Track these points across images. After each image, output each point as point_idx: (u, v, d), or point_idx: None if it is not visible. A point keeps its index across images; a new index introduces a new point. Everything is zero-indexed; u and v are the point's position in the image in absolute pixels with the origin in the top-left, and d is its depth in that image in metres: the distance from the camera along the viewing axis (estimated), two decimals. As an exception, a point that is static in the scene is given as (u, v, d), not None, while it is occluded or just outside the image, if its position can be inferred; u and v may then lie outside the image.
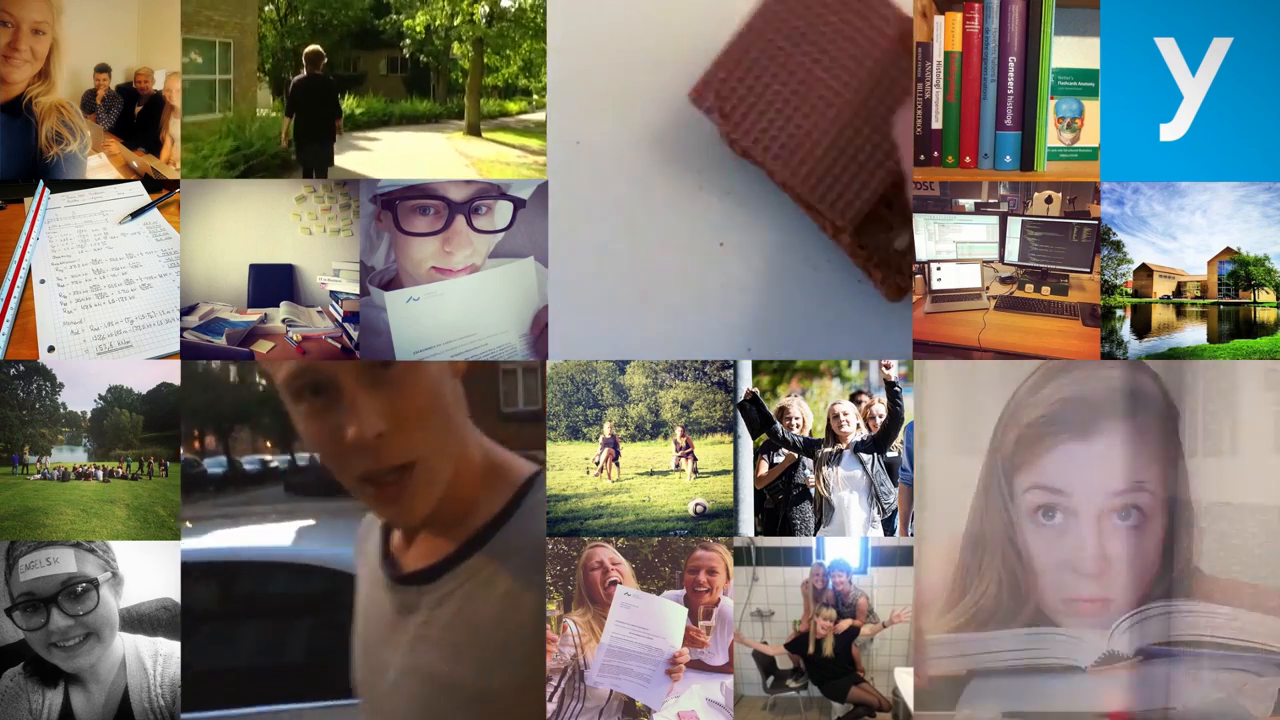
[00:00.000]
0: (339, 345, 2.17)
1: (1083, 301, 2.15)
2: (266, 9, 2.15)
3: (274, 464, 2.36)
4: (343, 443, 1.24)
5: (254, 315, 2.20)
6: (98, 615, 2.04)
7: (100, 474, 2.21)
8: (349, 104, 2.14)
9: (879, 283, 2.08)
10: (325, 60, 2.13)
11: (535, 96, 1.98)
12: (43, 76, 2.18)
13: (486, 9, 2.00)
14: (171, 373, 2.16)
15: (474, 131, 2.05)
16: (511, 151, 1.99)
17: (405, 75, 2.09)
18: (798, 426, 2.22)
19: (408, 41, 2.05)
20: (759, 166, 2.03)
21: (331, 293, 2.20)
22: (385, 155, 2.06)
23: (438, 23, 2.02)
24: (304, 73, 2.19)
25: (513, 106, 2.03)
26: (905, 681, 2.09)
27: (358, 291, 2.16)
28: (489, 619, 1.27)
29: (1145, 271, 2.16)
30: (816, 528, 2.18)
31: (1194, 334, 2.17)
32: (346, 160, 2.13)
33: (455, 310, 2.11)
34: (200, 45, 2.06)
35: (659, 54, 2.11)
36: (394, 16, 2.04)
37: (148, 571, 2.13)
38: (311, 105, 2.17)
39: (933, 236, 2.17)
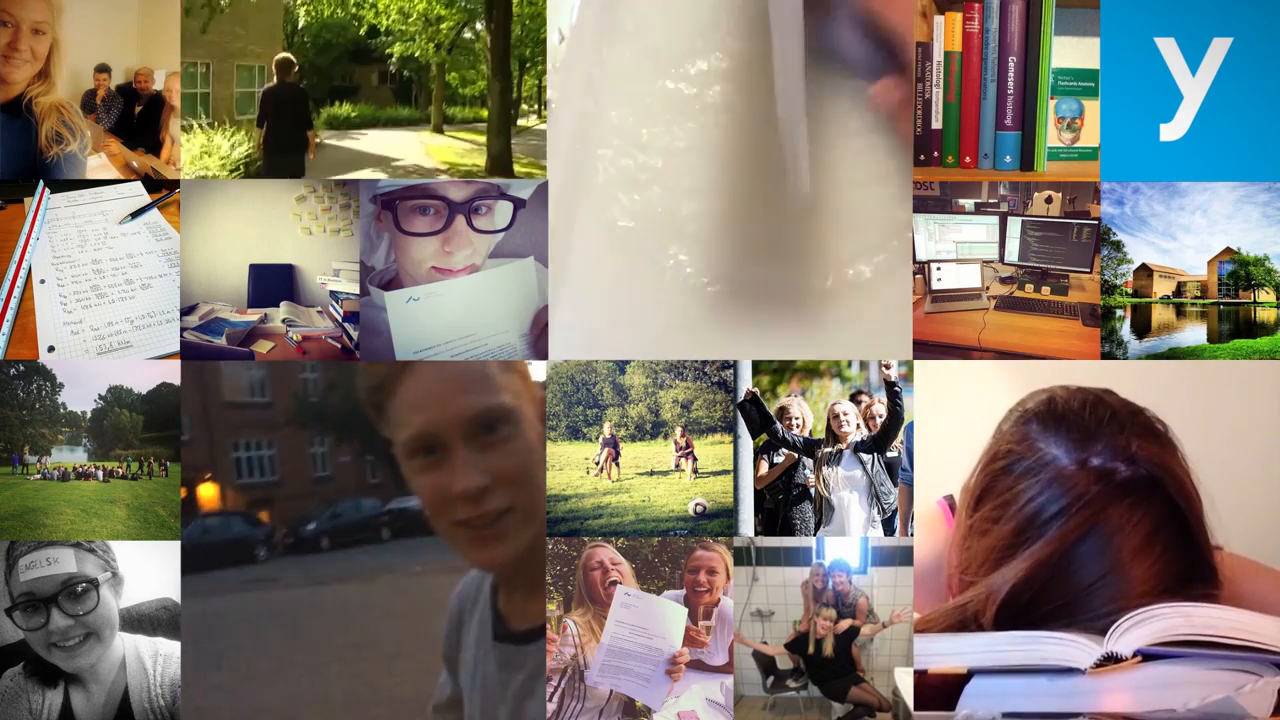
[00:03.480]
0: (339, 345, 2.17)
1: (1083, 301, 2.15)
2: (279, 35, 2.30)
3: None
4: (448, 493, 1.46)
5: (254, 315, 2.20)
6: (98, 615, 2.04)
7: (100, 474, 2.21)
8: (345, 109, 2.33)
9: None
10: (296, 68, 2.24)
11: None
12: (43, 76, 2.18)
13: (446, 40, 2.33)
14: (171, 373, 2.16)
15: (438, 130, 2.37)
16: (459, 144, 2.33)
17: (393, 86, 2.38)
18: (798, 426, 2.22)
19: (393, 59, 2.35)
20: None
21: (331, 293, 2.20)
22: (367, 144, 2.34)
23: (411, 52, 2.33)
24: (274, 81, 2.22)
25: (485, 112, 2.31)
26: (905, 681, 2.09)
27: (358, 291, 2.16)
28: None
29: (1145, 271, 2.16)
30: (816, 528, 2.18)
31: (1194, 334, 2.17)
32: (342, 140, 2.31)
33: (455, 310, 2.11)
34: (245, 69, 2.30)
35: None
36: (382, 38, 2.33)
37: (148, 571, 2.13)
38: (283, 114, 2.25)
39: (933, 236, 2.18)
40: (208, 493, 2.31)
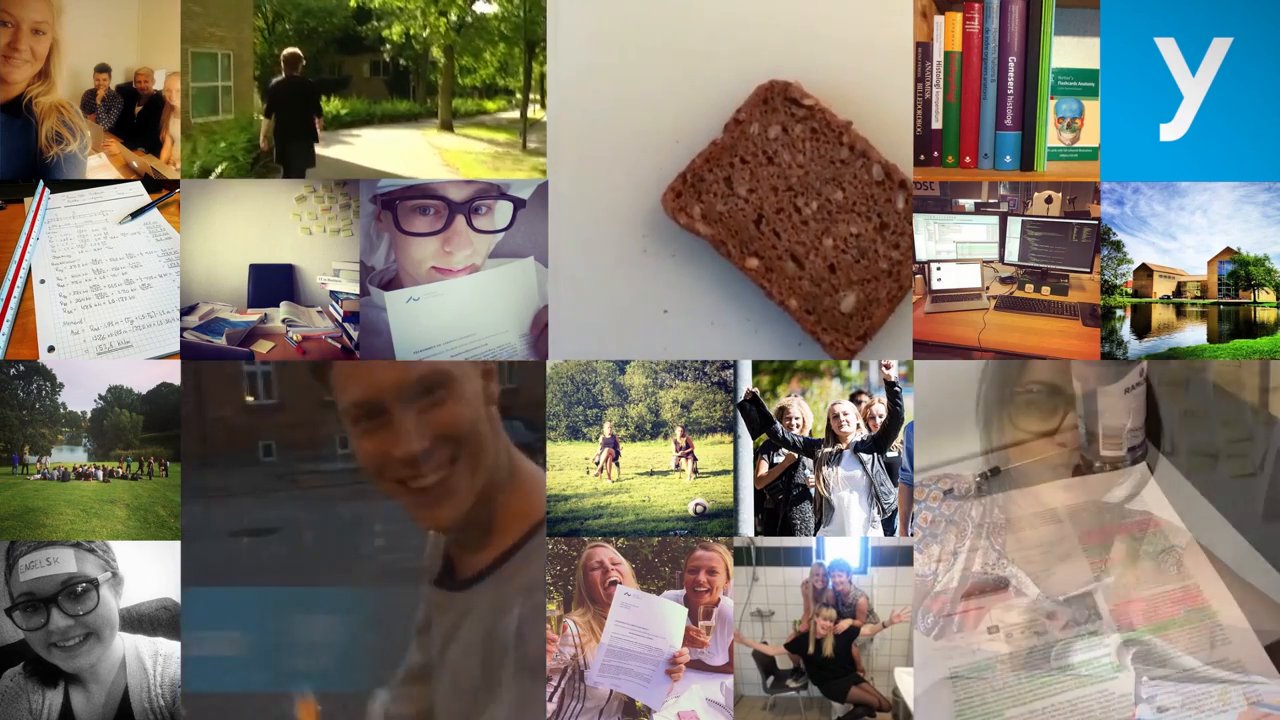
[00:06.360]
0: (339, 345, 2.17)
1: (1083, 301, 2.15)
2: (257, 21, 2.22)
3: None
4: (389, 457, 1.54)
5: (254, 315, 2.20)
6: (98, 615, 2.04)
7: (100, 474, 2.21)
8: (334, 105, 2.24)
9: (827, 346, 2.06)
10: (304, 62, 2.19)
11: (516, 95, 2.21)
12: (43, 76, 2.18)
13: (455, 18, 2.19)
14: (171, 373, 2.16)
15: (446, 127, 2.23)
16: (477, 144, 2.20)
17: (387, 78, 2.25)
18: (798, 426, 2.22)
19: (388, 47, 2.22)
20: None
21: (331, 293, 2.20)
22: (366, 148, 2.23)
23: (412, 32, 2.19)
24: (283, 75, 2.20)
25: (491, 105, 2.21)
26: (905, 681, 2.09)
27: (358, 291, 2.16)
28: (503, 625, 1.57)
29: (1145, 271, 2.16)
30: (816, 528, 2.18)
31: (1194, 334, 2.17)
32: (333, 152, 2.23)
33: (455, 310, 2.11)
34: (205, 57, 2.21)
35: (658, 54, 2.11)
36: (375, 23, 2.20)
37: (148, 571, 2.13)
38: (291, 107, 2.22)
39: (933, 236, 2.18)
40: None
